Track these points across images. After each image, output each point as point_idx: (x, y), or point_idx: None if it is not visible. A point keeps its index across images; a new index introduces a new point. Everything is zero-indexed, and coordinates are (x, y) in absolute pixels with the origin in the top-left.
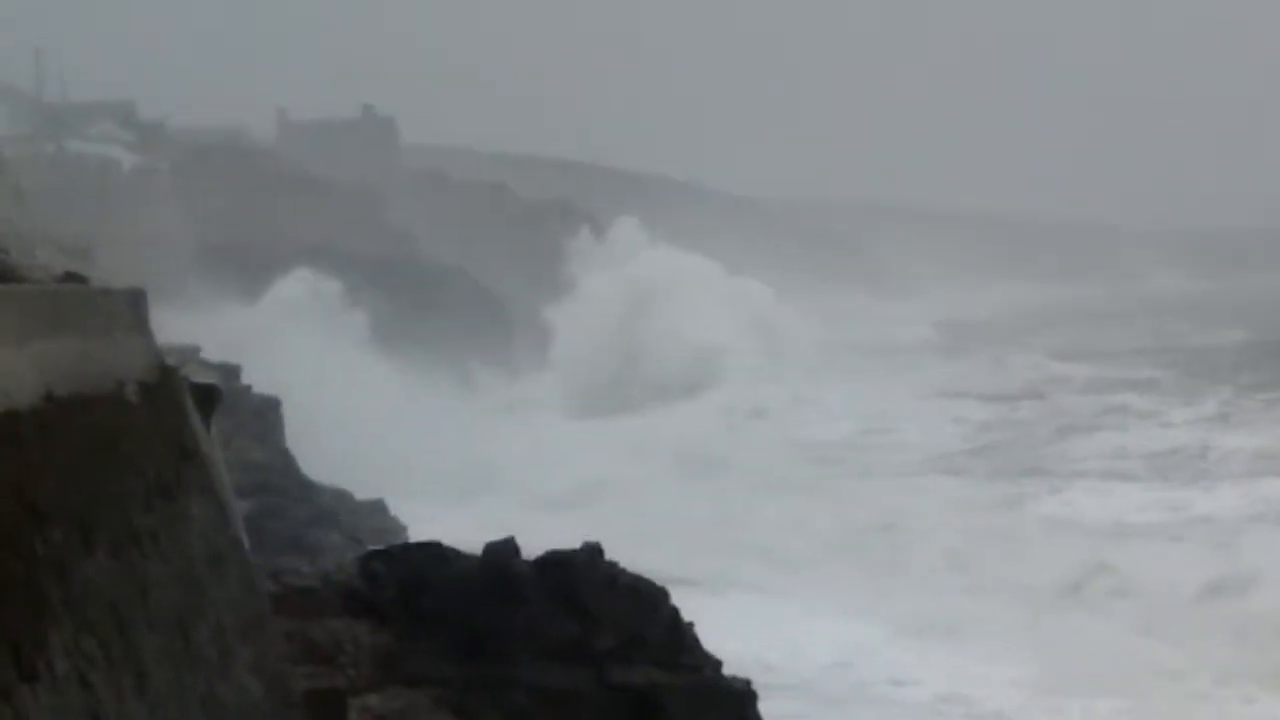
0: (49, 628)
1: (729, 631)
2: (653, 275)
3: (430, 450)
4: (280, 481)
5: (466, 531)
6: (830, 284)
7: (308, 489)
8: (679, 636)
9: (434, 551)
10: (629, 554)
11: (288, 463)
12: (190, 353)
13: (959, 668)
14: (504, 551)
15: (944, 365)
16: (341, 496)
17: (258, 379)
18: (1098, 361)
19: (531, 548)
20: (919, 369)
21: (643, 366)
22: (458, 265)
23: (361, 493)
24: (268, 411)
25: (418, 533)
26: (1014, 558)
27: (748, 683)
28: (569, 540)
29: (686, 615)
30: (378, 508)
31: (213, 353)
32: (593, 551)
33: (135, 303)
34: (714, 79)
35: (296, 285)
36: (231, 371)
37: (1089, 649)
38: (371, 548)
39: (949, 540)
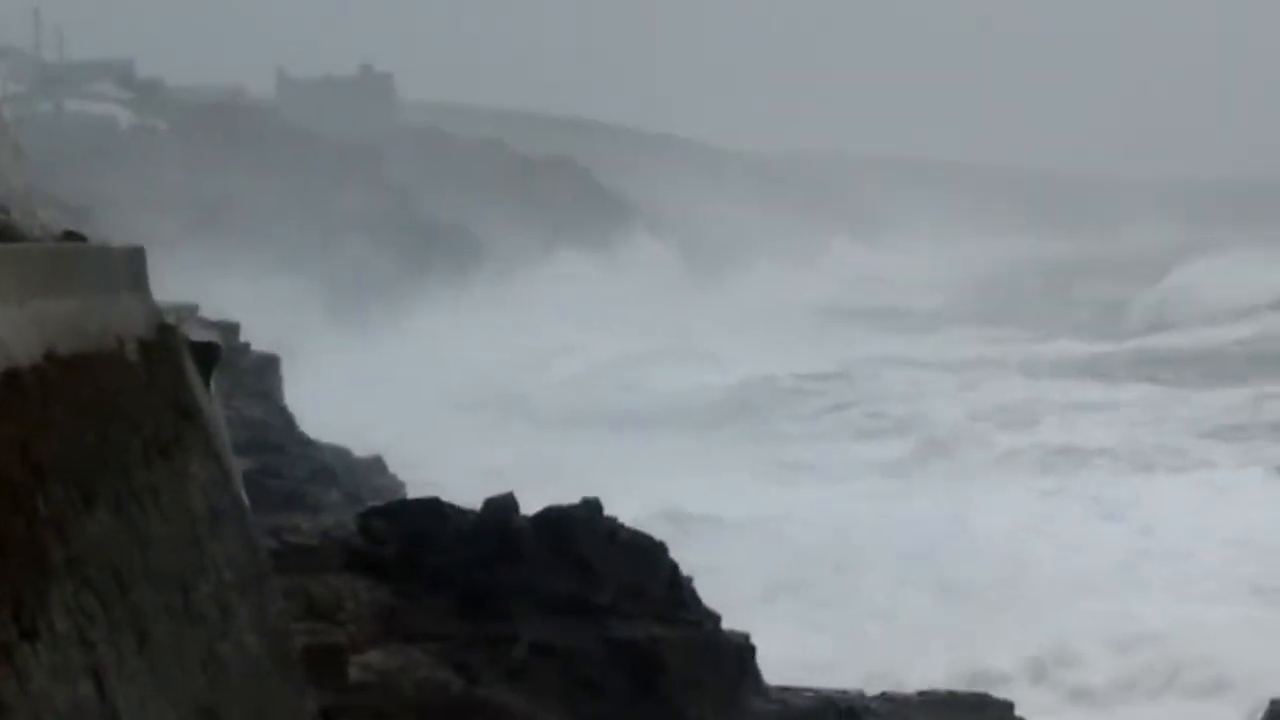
0: (50, 585)
1: None
2: None
3: None
4: (279, 439)
5: None
6: (831, 239)
7: (306, 446)
8: (678, 590)
9: (433, 508)
10: None
11: (287, 420)
12: (189, 311)
13: None
14: (503, 507)
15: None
16: (340, 454)
17: (255, 335)
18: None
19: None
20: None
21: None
22: (455, 221)
23: (360, 449)
24: (267, 369)
25: (416, 490)
26: None
27: (746, 636)
28: None
29: None
30: (377, 465)
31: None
32: (592, 506)
33: (134, 261)
34: (717, 33)
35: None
36: (230, 329)
37: None
38: (371, 504)
39: None
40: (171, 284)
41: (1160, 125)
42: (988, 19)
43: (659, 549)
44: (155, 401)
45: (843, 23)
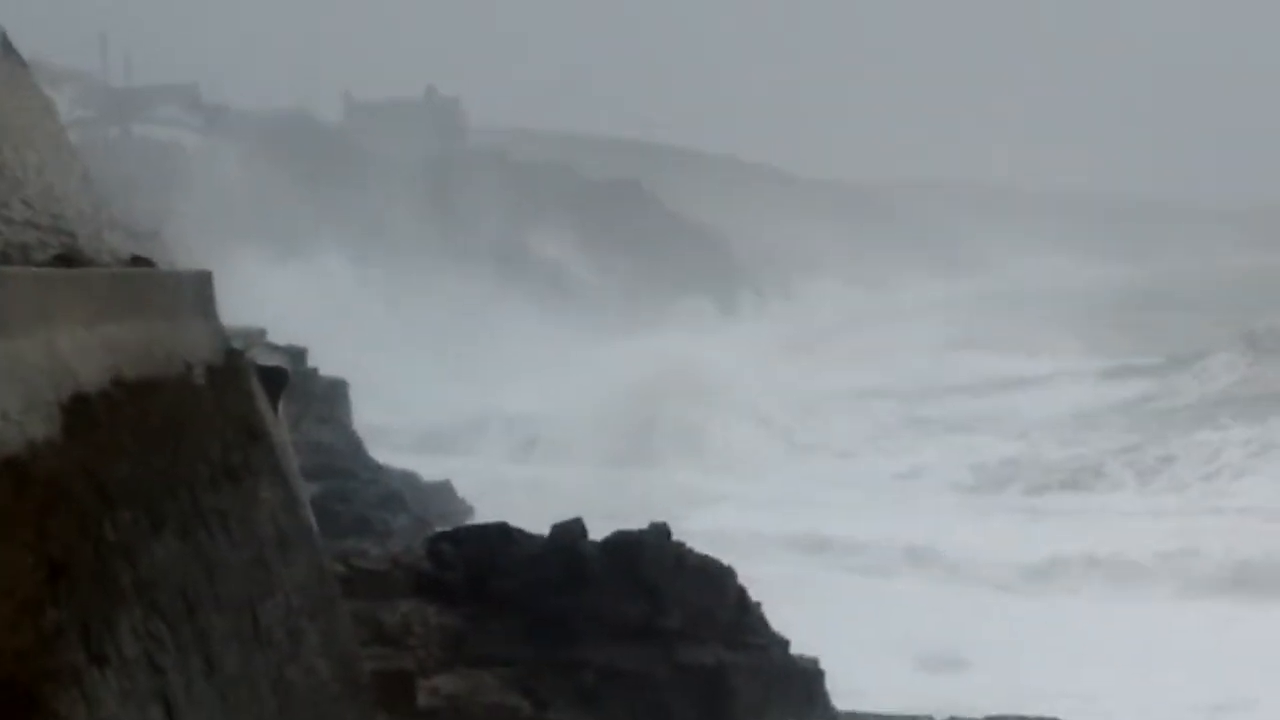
0: (119, 610)
1: None
2: None
3: None
4: (348, 464)
5: None
6: (896, 267)
7: (375, 471)
8: (746, 615)
9: (501, 532)
10: None
11: (355, 445)
12: (257, 335)
13: None
14: (571, 532)
15: None
16: (409, 478)
17: (324, 360)
18: None
19: None
20: None
21: None
22: (524, 247)
23: (428, 473)
24: (335, 393)
25: (484, 514)
26: None
27: (815, 661)
28: None
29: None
30: (445, 490)
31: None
32: (660, 532)
33: (201, 286)
34: (779, 57)
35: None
36: (298, 354)
37: None
38: (439, 529)
39: None
40: (238, 308)
41: (1229, 151)
42: (1073, 46)
43: (727, 573)
44: (223, 426)
45: (917, 52)
